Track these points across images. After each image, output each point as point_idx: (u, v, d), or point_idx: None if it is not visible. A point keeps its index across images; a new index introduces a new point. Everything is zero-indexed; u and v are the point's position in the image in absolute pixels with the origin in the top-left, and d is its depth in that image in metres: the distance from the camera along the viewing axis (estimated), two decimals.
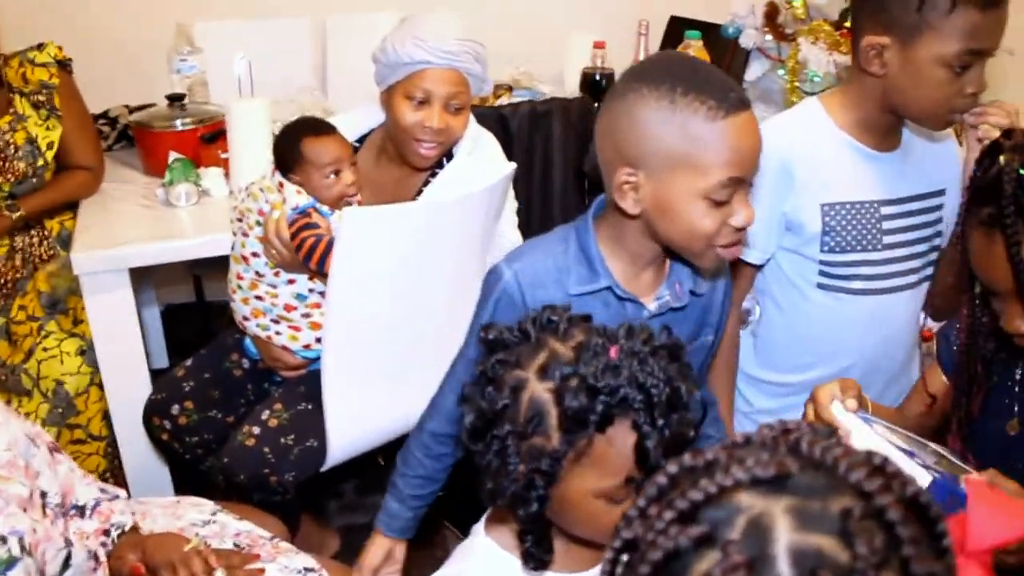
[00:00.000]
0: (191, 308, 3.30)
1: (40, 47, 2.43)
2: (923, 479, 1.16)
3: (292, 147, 1.89)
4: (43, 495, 1.25)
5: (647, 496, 0.66)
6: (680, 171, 1.21)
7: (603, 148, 1.29)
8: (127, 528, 1.38)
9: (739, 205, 1.24)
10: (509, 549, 1.13)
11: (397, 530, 1.52)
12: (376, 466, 2.47)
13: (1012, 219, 1.19)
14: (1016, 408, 1.40)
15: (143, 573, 1.22)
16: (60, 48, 2.45)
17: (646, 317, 1.36)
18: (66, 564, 1.19)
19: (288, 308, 1.96)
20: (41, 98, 2.40)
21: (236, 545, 1.50)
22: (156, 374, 2.39)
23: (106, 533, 1.36)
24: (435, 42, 1.87)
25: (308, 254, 1.81)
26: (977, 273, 1.31)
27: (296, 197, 1.88)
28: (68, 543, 1.20)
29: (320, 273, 1.83)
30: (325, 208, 1.89)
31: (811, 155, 1.55)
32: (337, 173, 1.89)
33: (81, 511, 1.38)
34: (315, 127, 1.93)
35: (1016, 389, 1.41)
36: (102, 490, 1.46)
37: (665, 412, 0.97)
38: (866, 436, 1.25)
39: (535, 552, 1.06)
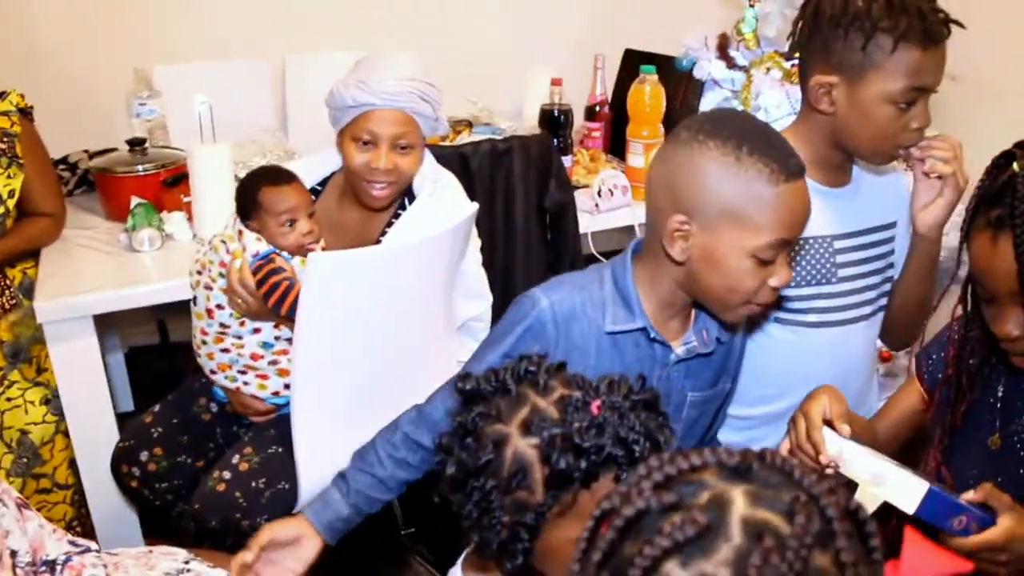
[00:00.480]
0: (155, 350, 3.29)
1: (2, 95, 2.43)
2: (921, 487, 1.22)
3: (250, 195, 1.90)
4: (13, 554, 1.25)
5: (627, 480, 0.74)
6: (733, 226, 1.27)
7: (655, 195, 1.34)
8: None
9: (780, 266, 1.31)
10: None
11: (323, 524, 1.43)
12: None
13: (1022, 219, 1.24)
14: (997, 423, 1.45)
15: None
16: (22, 96, 2.44)
17: (673, 361, 1.43)
18: None
19: (254, 357, 1.96)
20: (2, 146, 2.39)
21: None
22: (122, 418, 2.37)
23: None
24: (376, 84, 1.89)
25: (277, 302, 1.82)
26: (978, 277, 1.35)
27: (256, 244, 1.89)
28: None
29: (289, 319, 1.83)
30: (285, 253, 1.91)
31: None
32: (292, 223, 1.89)
33: (51, 567, 1.37)
34: (274, 176, 1.93)
35: (998, 405, 1.46)
36: (72, 543, 1.45)
37: None
38: (861, 454, 1.29)
39: None
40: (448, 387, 1.46)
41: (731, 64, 2.71)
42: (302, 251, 1.90)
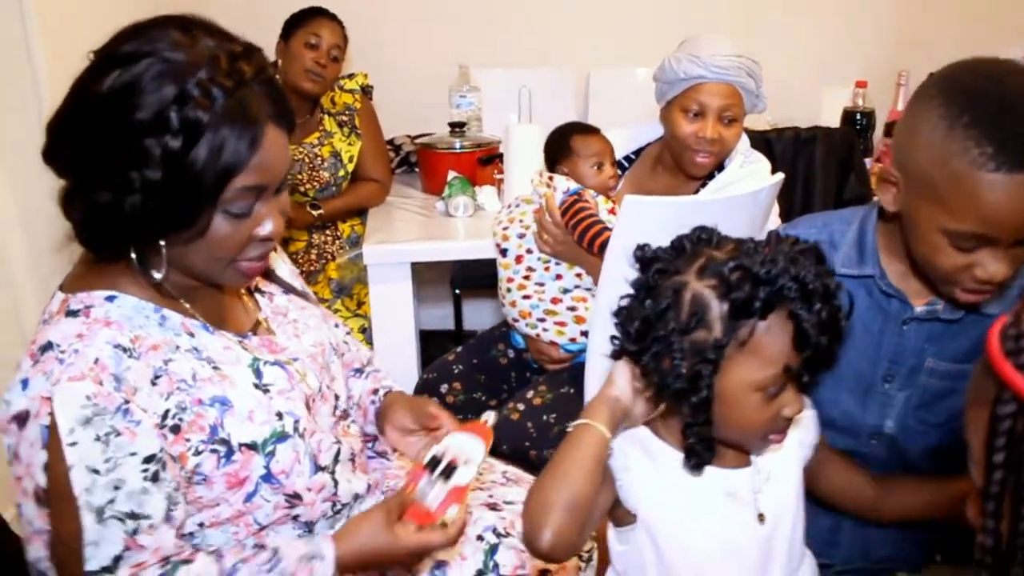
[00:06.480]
0: (448, 335, 3.50)
1: (351, 76, 2.78)
2: None
3: (562, 142, 2.12)
4: (336, 397, 1.41)
5: None
6: (931, 201, 1.14)
7: (892, 135, 1.28)
8: (392, 389, 1.53)
9: (989, 258, 1.14)
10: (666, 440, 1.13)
11: None
12: None
13: None
14: None
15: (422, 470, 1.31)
16: (366, 76, 2.78)
17: (908, 316, 1.33)
18: (336, 458, 1.32)
19: (554, 301, 2.10)
20: (345, 118, 2.73)
21: (506, 477, 1.61)
22: None
23: (375, 392, 1.52)
24: (708, 58, 2.00)
25: (581, 235, 1.97)
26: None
27: (565, 183, 2.07)
28: (338, 441, 1.33)
29: (590, 253, 1.97)
30: (592, 191, 2.06)
31: None
32: (599, 166, 2.09)
33: (359, 372, 1.56)
34: (583, 127, 2.17)
35: None
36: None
37: (820, 300, 0.99)
38: None
39: (698, 448, 1.07)
40: None
41: None
42: (606, 191, 2.09)
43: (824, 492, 1.31)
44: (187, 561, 1.11)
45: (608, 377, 1.14)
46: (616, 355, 1.13)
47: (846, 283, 1.25)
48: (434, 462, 1.26)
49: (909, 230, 1.21)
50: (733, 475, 1.12)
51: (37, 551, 1.08)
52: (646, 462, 1.11)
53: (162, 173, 1.04)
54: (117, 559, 1.06)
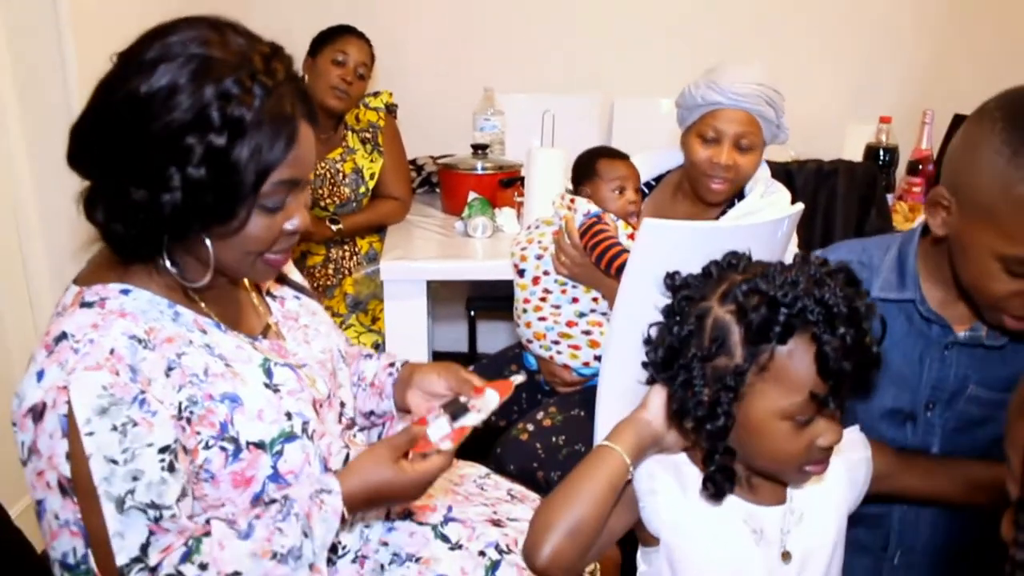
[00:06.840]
0: (461, 357, 3.50)
1: (376, 94, 2.80)
2: None
3: (588, 164, 2.12)
4: (342, 404, 1.41)
5: None
6: (987, 226, 1.13)
7: (946, 157, 1.26)
8: (408, 361, 1.55)
9: None
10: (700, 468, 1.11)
11: None
12: None
13: None
14: None
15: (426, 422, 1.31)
16: (391, 94, 2.80)
17: (949, 342, 1.32)
18: (345, 463, 1.30)
19: (569, 324, 2.09)
20: (368, 135, 2.75)
21: (511, 494, 1.59)
22: None
23: (391, 365, 1.54)
24: (726, 84, 2.00)
25: (599, 257, 1.96)
26: None
27: (586, 205, 2.07)
28: (347, 447, 1.33)
29: (607, 275, 1.97)
30: (613, 215, 2.06)
31: None
32: (622, 190, 2.08)
33: (370, 356, 1.59)
34: (611, 152, 2.17)
35: None
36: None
37: (845, 324, 0.97)
38: None
39: (717, 478, 1.05)
40: None
41: None
42: (626, 216, 2.08)
43: (915, 499, 1.31)
44: (206, 534, 1.11)
45: (642, 400, 1.14)
46: (651, 380, 1.12)
47: (885, 308, 1.25)
48: (451, 404, 1.33)
49: (959, 254, 1.21)
50: (764, 512, 1.10)
51: (64, 544, 1.07)
52: (675, 488, 1.09)
53: (205, 170, 1.05)
54: (144, 547, 1.06)
